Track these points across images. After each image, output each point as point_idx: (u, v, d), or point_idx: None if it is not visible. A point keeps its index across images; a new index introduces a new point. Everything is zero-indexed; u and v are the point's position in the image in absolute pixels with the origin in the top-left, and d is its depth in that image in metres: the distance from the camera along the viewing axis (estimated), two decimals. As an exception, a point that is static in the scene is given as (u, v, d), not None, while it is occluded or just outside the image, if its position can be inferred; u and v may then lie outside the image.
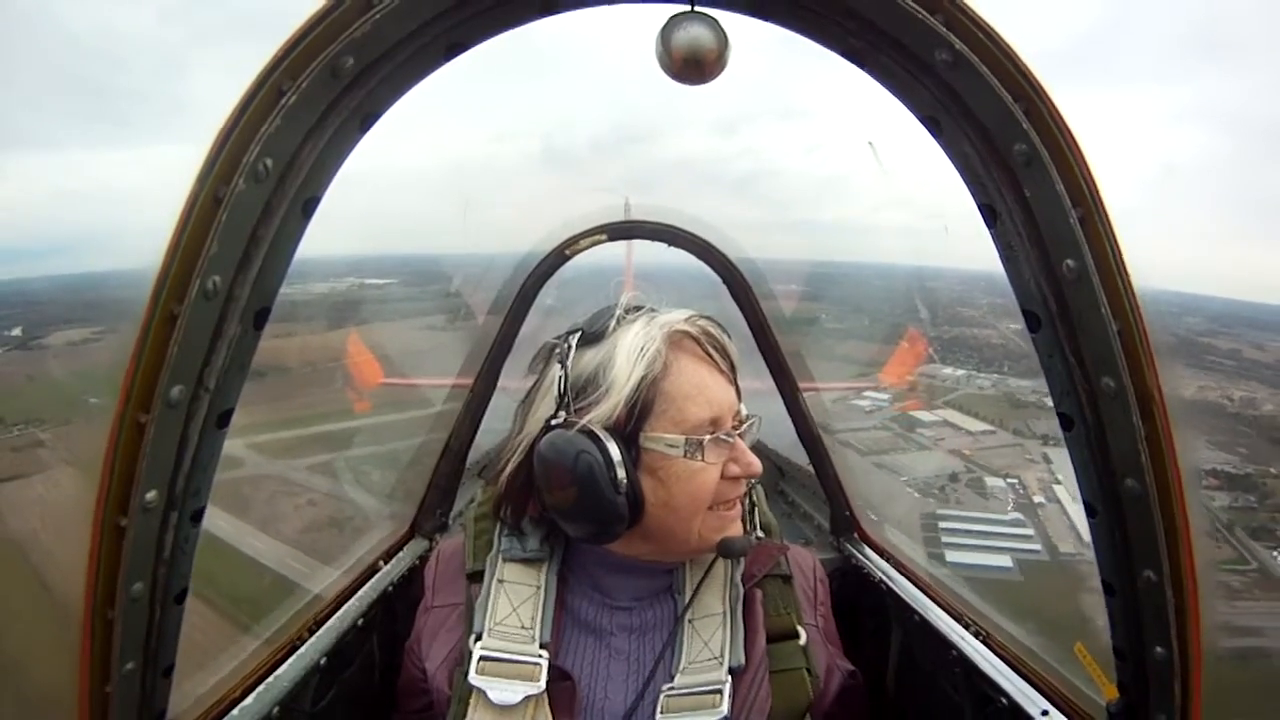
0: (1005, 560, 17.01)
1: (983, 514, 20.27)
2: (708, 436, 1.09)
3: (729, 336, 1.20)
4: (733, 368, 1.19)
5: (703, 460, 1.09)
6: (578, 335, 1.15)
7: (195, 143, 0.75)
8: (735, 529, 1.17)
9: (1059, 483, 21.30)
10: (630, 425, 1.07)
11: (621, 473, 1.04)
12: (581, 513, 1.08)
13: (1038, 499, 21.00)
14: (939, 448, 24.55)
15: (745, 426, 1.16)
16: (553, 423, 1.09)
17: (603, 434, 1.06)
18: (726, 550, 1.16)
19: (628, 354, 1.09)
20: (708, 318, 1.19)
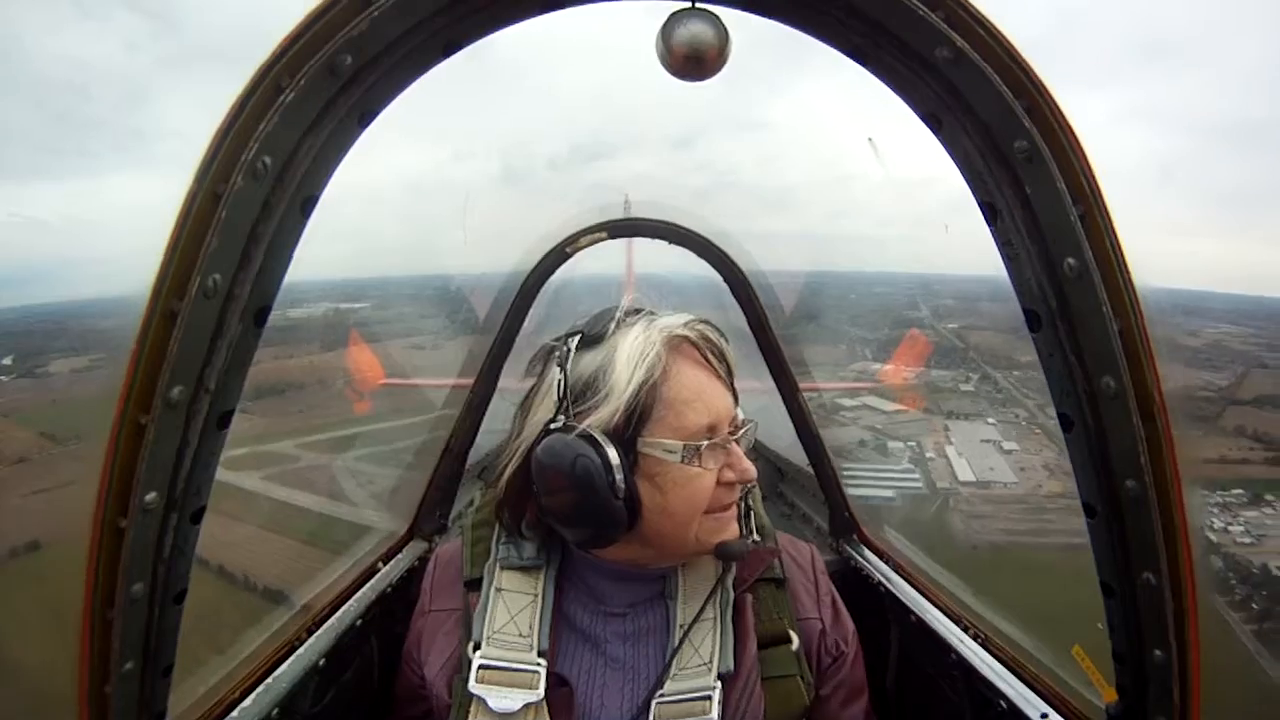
0: (889, 493, 22.60)
1: (880, 465, 26.04)
2: (705, 443, 1.09)
3: (727, 341, 1.20)
4: (730, 373, 1.18)
5: (699, 466, 1.09)
6: (577, 338, 1.14)
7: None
8: (731, 531, 1.17)
9: (950, 444, 27.47)
10: (629, 430, 1.07)
11: (620, 477, 1.04)
12: (579, 517, 1.08)
13: (929, 455, 26.93)
14: (856, 424, 28.81)
15: (741, 432, 1.16)
16: (551, 426, 1.09)
17: (601, 438, 1.05)
18: (724, 554, 1.16)
19: (627, 358, 1.08)
20: (706, 322, 1.18)
